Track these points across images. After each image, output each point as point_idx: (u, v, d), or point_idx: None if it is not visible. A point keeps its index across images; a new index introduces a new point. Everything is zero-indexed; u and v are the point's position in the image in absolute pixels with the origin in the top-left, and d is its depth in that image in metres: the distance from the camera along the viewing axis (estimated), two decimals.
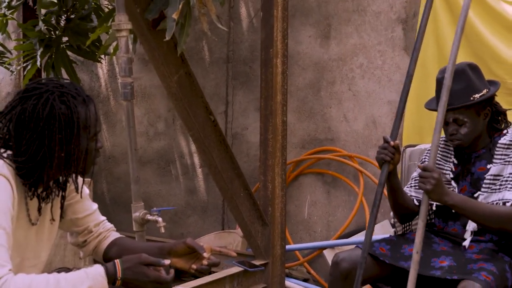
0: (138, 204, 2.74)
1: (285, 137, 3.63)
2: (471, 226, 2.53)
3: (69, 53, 4.26)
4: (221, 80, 4.63)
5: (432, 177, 2.31)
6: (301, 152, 4.34)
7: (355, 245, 2.70)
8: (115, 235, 2.23)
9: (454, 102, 2.51)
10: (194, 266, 2.00)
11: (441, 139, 2.73)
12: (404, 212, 2.68)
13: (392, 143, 2.44)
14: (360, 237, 3.93)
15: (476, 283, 2.22)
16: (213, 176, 3.25)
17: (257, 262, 3.51)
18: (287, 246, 3.84)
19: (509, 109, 2.66)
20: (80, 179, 1.95)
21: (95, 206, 2.19)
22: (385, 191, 2.62)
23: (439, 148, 2.70)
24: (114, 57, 4.94)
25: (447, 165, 2.67)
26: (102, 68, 5.16)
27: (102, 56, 4.47)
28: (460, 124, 2.53)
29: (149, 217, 2.74)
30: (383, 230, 3.89)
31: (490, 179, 2.50)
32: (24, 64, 4.28)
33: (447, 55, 3.74)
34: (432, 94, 3.87)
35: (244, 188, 3.39)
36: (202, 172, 4.77)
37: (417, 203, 2.64)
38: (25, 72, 4.21)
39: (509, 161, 2.47)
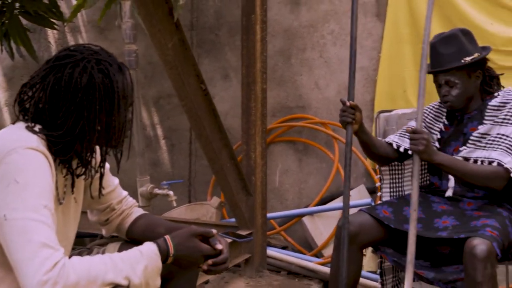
0: (144, 178, 2.61)
1: (265, 105, 3.59)
2: (451, 181, 2.63)
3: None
4: None
5: (422, 138, 2.45)
6: (272, 120, 4.29)
7: (358, 209, 2.73)
8: (138, 211, 2.12)
9: (446, 64, 2.61)
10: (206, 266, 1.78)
11: (436, 102, 2.81)
12: (380, 158, 2.81)
13: (348, 103, 2.55)
14: (337, 203, 3.96)
15: (484, 239, 2.29)
16: (202, 147, 3.16)
17: (241, 232, 3.47)
18: (268, 215, 3.81)
19: (502, 74, 2.74)
20: (119, 154, 1.82)
21: (116, 181, 2.07)
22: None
23: (433, 109, 2.79)
24: (65, 24, 4.68)
25: (436, 125, 2.77)
26: (54, 37, 4.85)
27: (57, 22, 4.21)
28: (452, 86, 2.62)
29: (158, 191, 2.61)
30: (360, 195, 3.94)
31: (476, 136, 2.59)
32: None
33: (419, 20, 3.84)
34: (405, 59, 3.96)
35: (231, 158, 3.32)
36: (166, 144, 4.63)
37: (395, 148, 2.76)
38: None
39: (497, 122, 2.56)
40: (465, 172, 2.48)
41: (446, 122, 2.75)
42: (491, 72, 2.71)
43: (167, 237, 1.72)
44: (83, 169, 1.77)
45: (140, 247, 1.66)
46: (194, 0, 4.42)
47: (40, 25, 4.14)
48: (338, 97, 4.12)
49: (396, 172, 2.90)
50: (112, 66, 1.72)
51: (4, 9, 3.80)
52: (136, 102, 2.59)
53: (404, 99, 3.93)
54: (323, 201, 4.12)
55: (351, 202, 3.64)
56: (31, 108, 1.70)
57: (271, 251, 3.77)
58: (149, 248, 1.66)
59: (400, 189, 2.90)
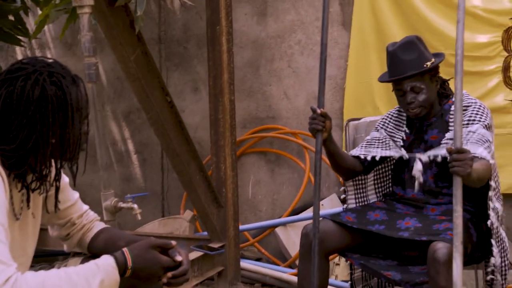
0: (108, 192, 2.59)
1: (234, 116, 3.58)
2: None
3: None
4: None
5: (469, 159, 2.21)
6: (242, 131, 4.28)
7: (321, 217, 2.72)
8: (100, 225, 2.08)
9: (410, 70, 2.59)
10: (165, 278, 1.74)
11: (394, 110, 2.82)
12: (346, 172, 2.78)
13: (319, 111, 2.49)
14: (309, 213, 3.95)
15: (446, 243, 2.29)
16: (170, 160, 3.14)
17: (213, 245, 3.45)
18: (241, 227, 3.79)
19: (450, 78, 2.75)
20: (74, 167, 1.79)
21: (76, 195, 2.03)
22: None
23: (393, 118, 2.80)
24: (33, 40, 4.65)
25: (398, 134, 2.75)
26: (22, 54, 4.81)
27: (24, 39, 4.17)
28: (417, 92, 2.60)
29: (122, 204, 2.59)
30: (332, 204, 3.94)
31: (447, 143, 2.57)
32: None
33: (384, 27, 3.88)
34: (372, 66, 3.98)
35: (200, 170, 3.31)
36: (138, 158, 4.59)
37: (363, 159, 2.73)
38: None
39: (464, 125, 2.56)
40: (481, 169, 2.34)
41: (407, 131, 2.74)
42: (442, 78, 2.74)
43: (124, 249, 1.69)
44: (38, 183, 1.74)
45: (96, 260, 1.63)
46: (162, 14, 4.42)
47: (6, 42, 4.10)
48: (308, 106, 4.13)
49: (360, 183, 2.90)
50: (65, 79, 1.70)
51: None
52: (99, 116, 2.57)
53: (372, 106, 3.94)
54: (296, 211, 4.12)
55: (324, 211, 3.66)
56: None
57: (244, 263, 3.75)
58: (106, 261, 1.63)
59: (365, 198, 2.90)
